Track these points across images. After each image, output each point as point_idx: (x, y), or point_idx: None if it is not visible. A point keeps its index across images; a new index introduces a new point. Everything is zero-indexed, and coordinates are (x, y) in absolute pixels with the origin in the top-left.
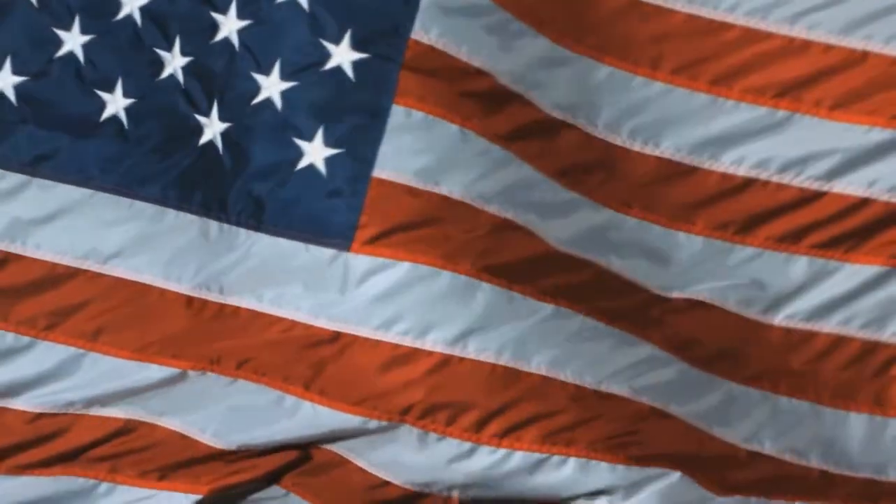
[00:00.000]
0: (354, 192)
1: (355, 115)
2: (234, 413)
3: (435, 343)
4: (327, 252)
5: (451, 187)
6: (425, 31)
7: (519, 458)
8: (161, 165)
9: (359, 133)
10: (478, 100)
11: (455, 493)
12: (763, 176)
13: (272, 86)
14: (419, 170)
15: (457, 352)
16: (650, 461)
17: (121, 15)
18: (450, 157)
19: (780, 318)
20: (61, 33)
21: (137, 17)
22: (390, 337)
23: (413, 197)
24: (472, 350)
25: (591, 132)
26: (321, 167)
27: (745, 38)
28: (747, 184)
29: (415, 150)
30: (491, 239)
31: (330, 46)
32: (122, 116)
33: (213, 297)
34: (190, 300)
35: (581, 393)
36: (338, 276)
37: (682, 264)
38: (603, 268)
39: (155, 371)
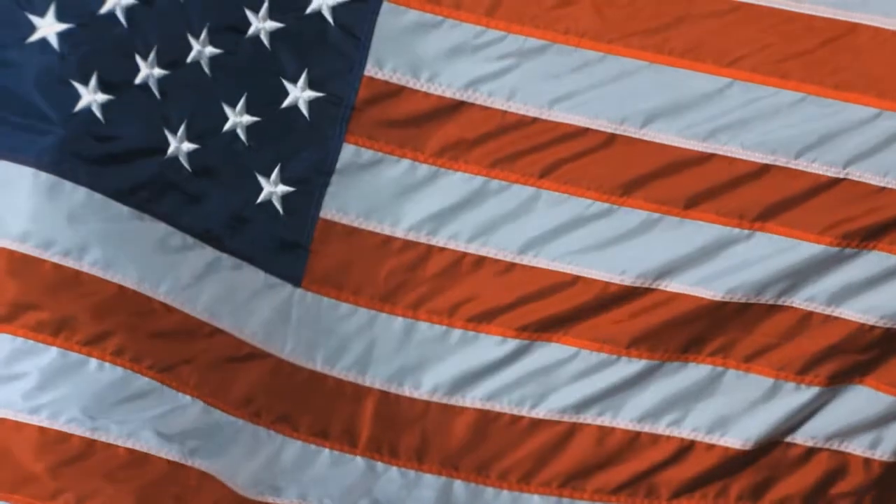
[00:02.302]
0: (303, 229)
1: (309, 153)
2: None
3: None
4: (280, 283)
5: (393, 226)
6: (379, 67)
7: None
8: (123, 168)
9: (310, 172)
10: (436, 129)
11: None
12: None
13: (238, 118)
14: (363, 209)
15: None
16: None
17: (104, 10)
18: (395, 195)
19: None
20: (35, 19)
21: (121, 16)
22: None
23: (352, 237)
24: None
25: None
26: (278, 204)
27: None
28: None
29: (361, 189)
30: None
31: (288, 85)
32: (98, 112)
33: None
34: None
35: None
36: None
37: None
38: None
39: None
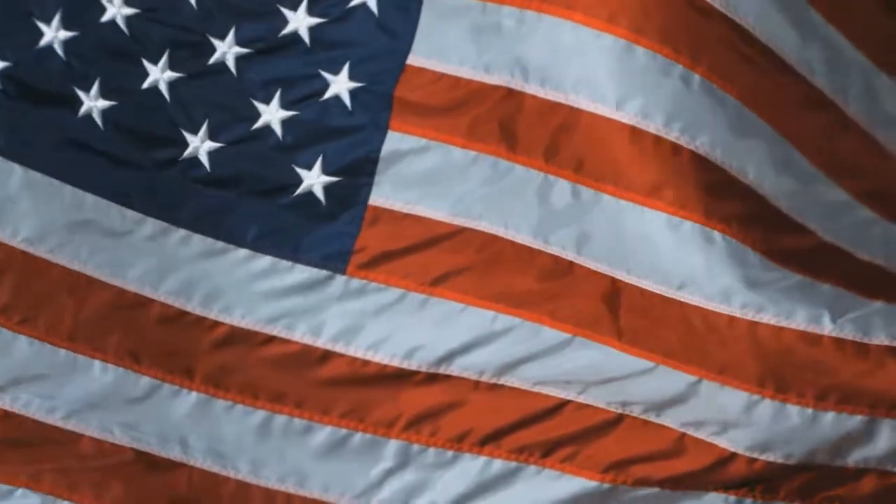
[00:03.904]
0: (351, 218)
1: (354, 142)
2: None
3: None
4: (322, 273)
5: (439, 211)
6: (421, 54)
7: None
8: (135, 171)
9: (355, 161)
10: (478, 113)
11: None
12: None
13: (272, 114)
14: (411, 196)
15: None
16: None
17: (105, 18)
18: (441, 180)
19: None
20: (42, 25)
21: (122, 24)
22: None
23: (402, 223)
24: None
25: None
26: (320, 194)
27: None
28: None
29: (407, 176)
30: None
31: (329, 76)
32: (98, 118)
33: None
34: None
35: None
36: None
37: None
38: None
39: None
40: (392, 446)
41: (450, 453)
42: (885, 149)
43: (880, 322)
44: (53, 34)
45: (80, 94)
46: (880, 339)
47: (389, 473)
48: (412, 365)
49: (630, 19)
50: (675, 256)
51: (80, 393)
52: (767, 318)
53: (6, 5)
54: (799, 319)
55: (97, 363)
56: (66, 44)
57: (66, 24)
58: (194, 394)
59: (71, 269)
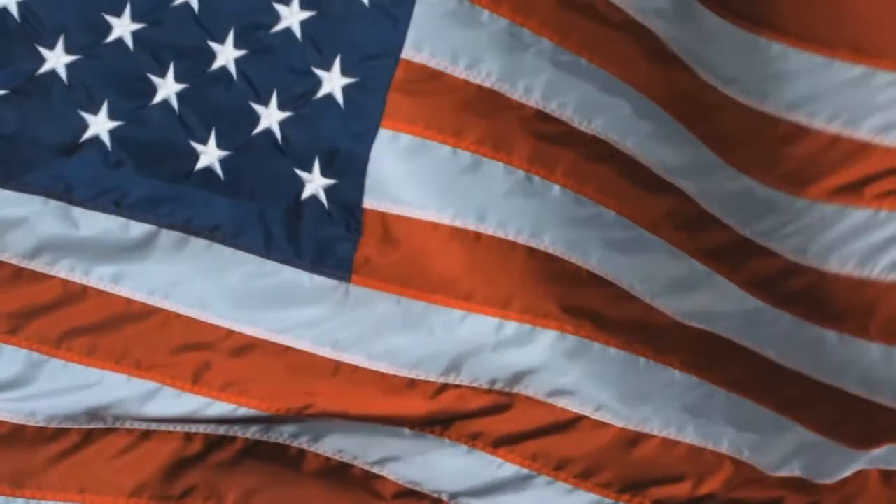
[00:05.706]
0: (349, 221)
1: (346, 142)
2: None
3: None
4: (329, 282)
5: (440, 213)
6: (416, 50)
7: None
8: (149, 186)
9: (350, 161)
10: (476, 116)
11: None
12: None
13: (270, 117)
14: (405, 197)
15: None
16: None
17: (111, 38)
18: (438, 181)
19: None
20: (44, 51)
21: (129, 41)
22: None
23: (400, 226)
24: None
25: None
26: (322, 198)
27: None
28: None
29: (400, 176)
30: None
31: (322, 74)
32: (106, 139)
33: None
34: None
35: None
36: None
37: None
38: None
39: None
40: (408, 433)
41: (464, 447)
42: None
43: None
44: (57, 59)
45: (86, 116)
46: None
47: (405, 450)
48: (420, 375)
49: None
50: None
51: (68, 400)
52: None
53: (6, 32)
54: None
55: (93, 370)
56: (70, 67)
57: (68, 49)
58: (200, 398)
59: (69, 280)
